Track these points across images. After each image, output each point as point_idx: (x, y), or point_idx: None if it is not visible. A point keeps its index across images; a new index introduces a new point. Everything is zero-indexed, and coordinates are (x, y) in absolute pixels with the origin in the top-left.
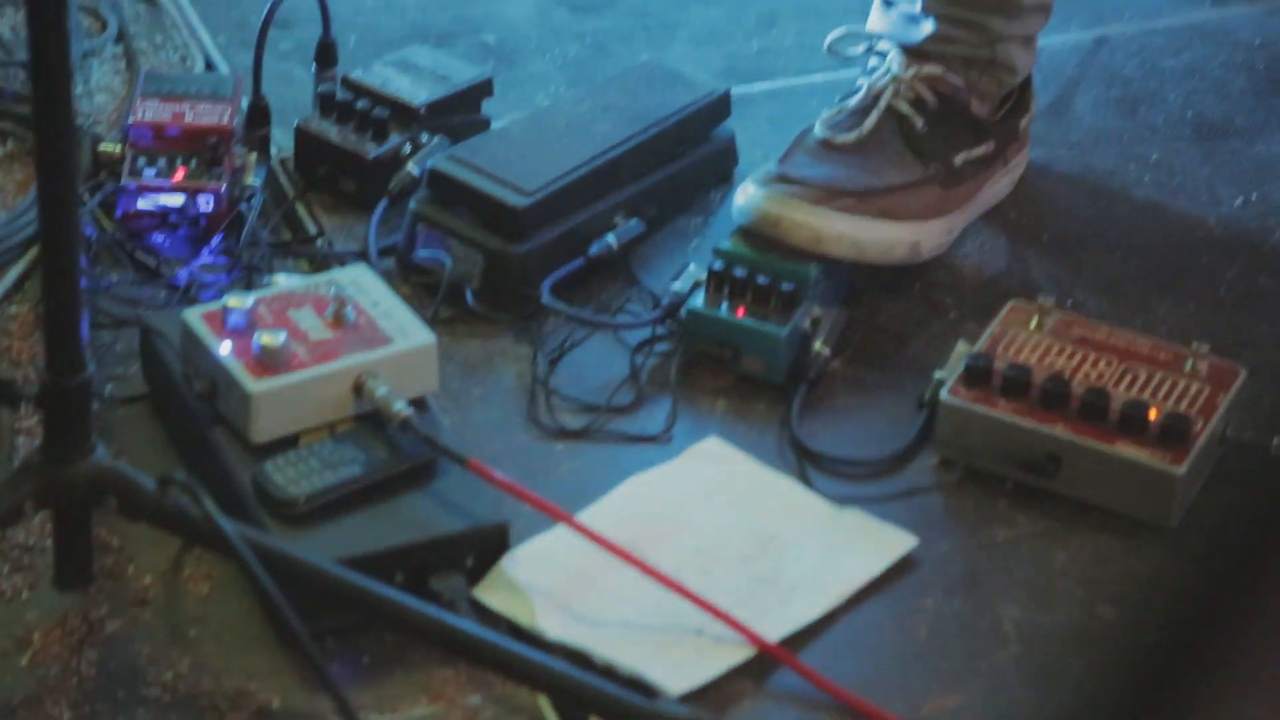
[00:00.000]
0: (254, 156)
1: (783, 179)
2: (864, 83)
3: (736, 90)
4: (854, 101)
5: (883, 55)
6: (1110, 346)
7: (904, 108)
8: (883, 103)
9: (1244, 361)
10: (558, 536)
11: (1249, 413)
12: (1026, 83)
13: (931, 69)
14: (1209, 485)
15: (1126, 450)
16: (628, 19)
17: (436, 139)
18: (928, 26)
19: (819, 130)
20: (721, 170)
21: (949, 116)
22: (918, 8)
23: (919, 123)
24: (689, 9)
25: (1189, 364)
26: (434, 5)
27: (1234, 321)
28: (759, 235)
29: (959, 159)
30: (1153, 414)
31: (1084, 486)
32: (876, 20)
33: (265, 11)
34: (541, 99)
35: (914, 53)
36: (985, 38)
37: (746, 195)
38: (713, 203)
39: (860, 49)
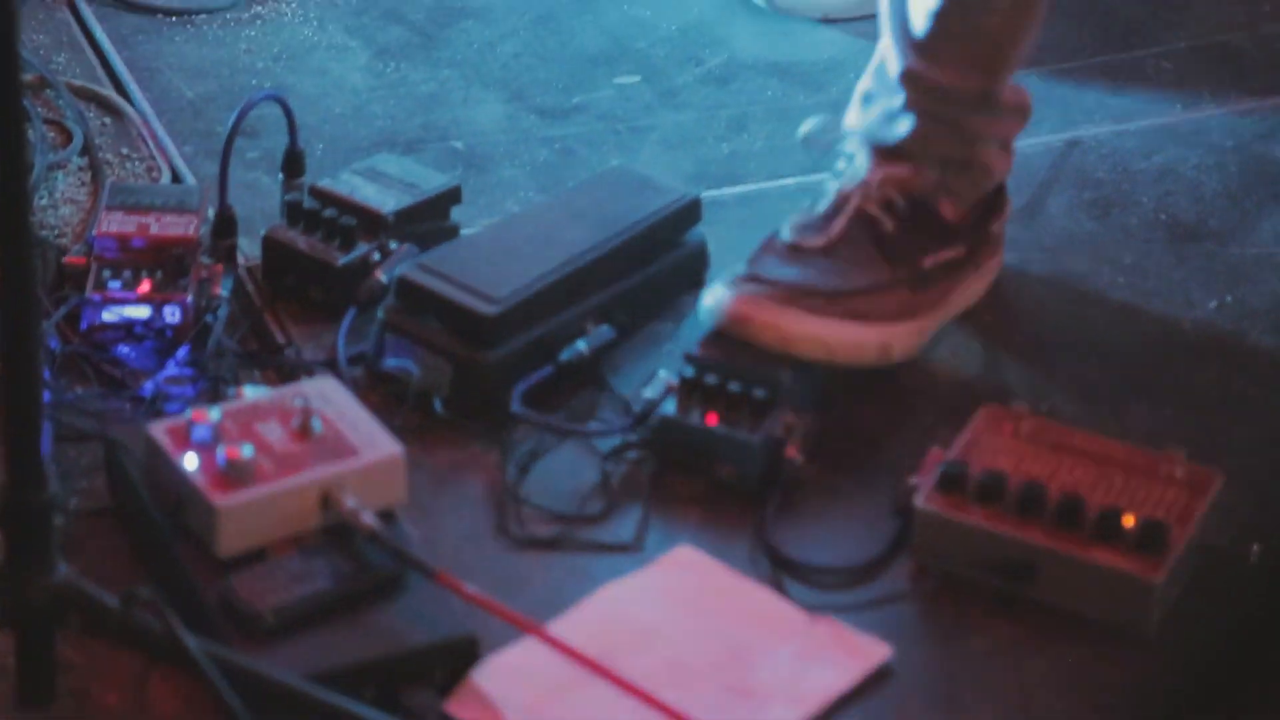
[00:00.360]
0: (221, 266)
1: (751, 279)
2: (833, 185)
3: (707, 195)
4: (822, 205)
5: (851, 157)
6: (1086, 452)
7: (873, 210)
8: (851, 206)
9: (1221, 466)
10: (528, 648)
11: (1227, 519)
12: (1000, 187)
13: (902, 171)
14: (1188, 593)
15: (1103, 558)
16: (597, 124)
17: (405, 247)
18: (906, 124)
19: (787, 234)
20: (693, 275)
21: (918, 219)
22: (898, 105)
23: (888, 225)
24: (658, 114)
25: (1165, 470)
26: (402, 113)
27: (1210, 426)
28: (727, 336)
29: (928, 262)
30: (1129, 521)
31: (1061, 594)
32: (855, 116)
33: (231, 122)
34: (511, 205)
35: (885, 153)
36: (964, 136)
37: (714, 296)
38: (684, 307)
39: (832, 140)
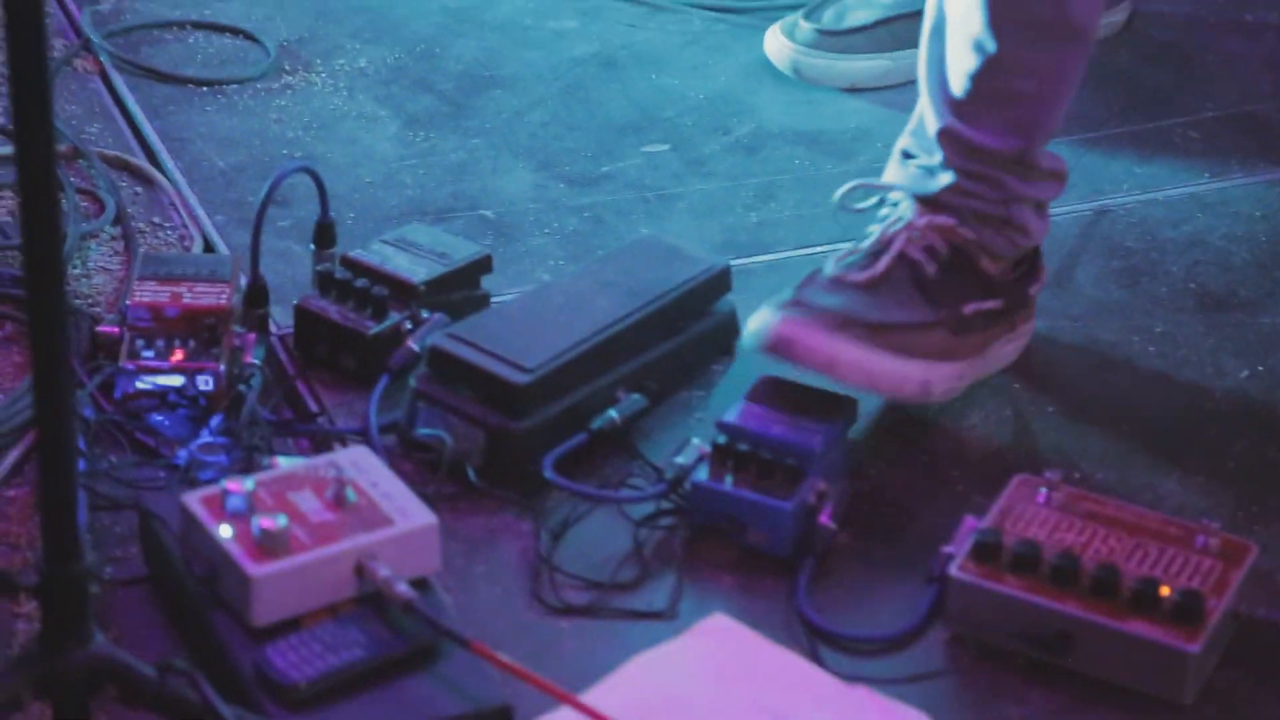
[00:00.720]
0: (253, 336)
1: (798, 304)
2: (876, 229)
3: (736, 264)
4: (867, 244)
5: (896, 203)
6: (1120, 521)
7: (916, 254)
8: (895, 247)
9: (1254, 536)
10: (563, 718)
11: (1261, 588)
12: (1036, 252)
13: (945, 219)
14: (1224, 663)
15: (1139, 628)
16: (626, 192)
17: (436, 316)
18: (945, 178)
19: (831, 268)
20: (723, 344)
21: (960, 268)
22: (937, 161)
23: (930, 270)
24: (687, 182)
25: (1200, 540)
26: (432, 181)
27: (1243, 495)
28: (772, 358)
29: (969, 309)
30: (1165, 591)
31: (1097, 664)
32: (893, 172)
33: (263, 193)
34: (541, 273)
35: (928, 202)
36: (1001, 195)
37: (760, 320)
38: (714, 376)
39: (871, 201)
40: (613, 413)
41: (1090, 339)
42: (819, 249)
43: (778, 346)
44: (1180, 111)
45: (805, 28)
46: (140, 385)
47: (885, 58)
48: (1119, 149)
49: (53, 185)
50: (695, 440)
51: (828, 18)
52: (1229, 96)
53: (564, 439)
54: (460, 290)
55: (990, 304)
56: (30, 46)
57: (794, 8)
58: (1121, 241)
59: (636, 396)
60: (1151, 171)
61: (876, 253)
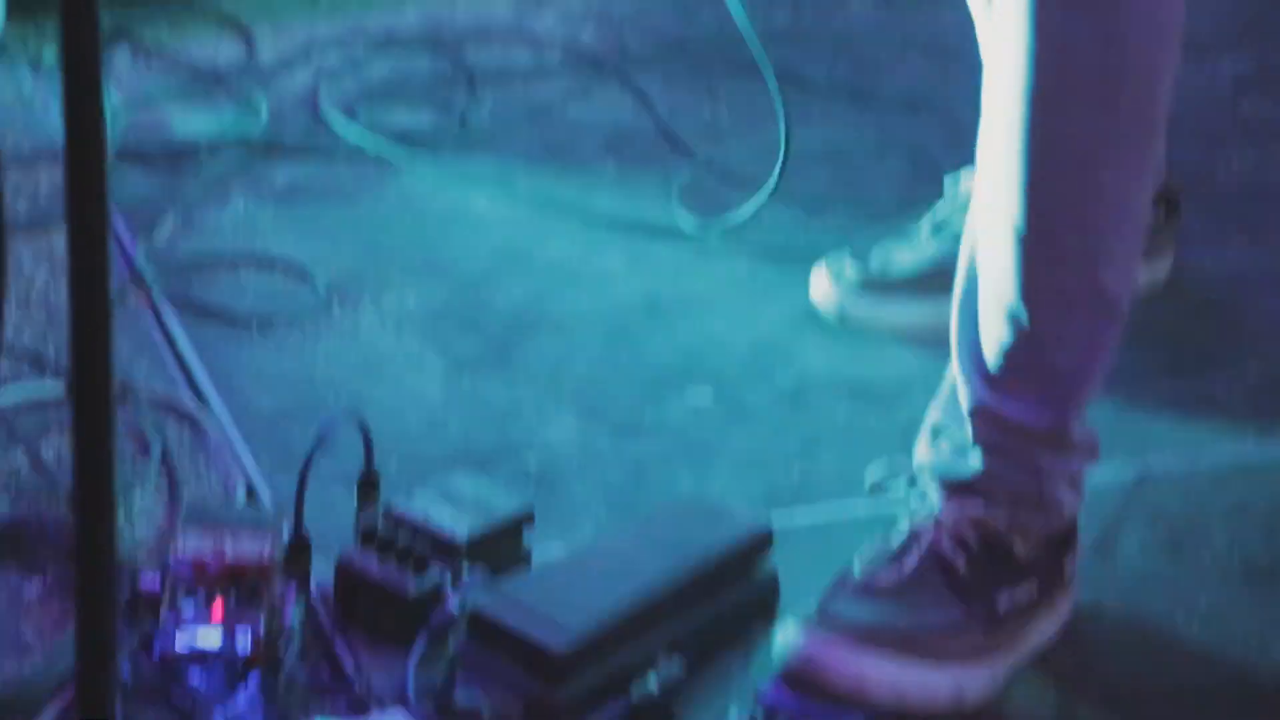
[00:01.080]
0: (294, 591)
1: (823, 622)
2: (906, 522)
3: (778, 520)
4: (895, 542)
5: (923, 494)
6: None
7: (946, 550)
8: (924, 544)
9: None
10: None
11: None
12: (1071, 525)
13: (975, 510)
14: None
15: None
16: (668, 442)
17: (477, 574)
18: (976, 460)
19: (859, 572)
20: (764, 606)
21: (991, 558)
22: (968, 439)
23: (961, 564)
24: (730, 432)
25: None
26: (476, 428)
27: None
28: (800, 682)
29: (1002, 601)
30: None
31: None
32: (924, 451)
33: (310, 447)
34: (583, 525)
35: (957, 490)
36: (1034, 473)
37: (787, 638)
38: (755, 639)
39: (901, 481)
40: (651, 680)
41: (1133, 613)
42: (861, 505)
43: (805, 671)
44: (1224, 371)
45: (851, 272)
46: (179, 640)
47: (931, 306)
48: (1161, 409)
49: (110, 443)
50: (734, 710)
51: (874, 263)
52: (1275, 355)
53: (603, 704)
54: (502, 544)
55: (1024, 588)
56: (92, 292)
57: (840, 244)
58: (1164, 508)
59: (676, 662)
60: (1195, 434)
61: (904, 551)
